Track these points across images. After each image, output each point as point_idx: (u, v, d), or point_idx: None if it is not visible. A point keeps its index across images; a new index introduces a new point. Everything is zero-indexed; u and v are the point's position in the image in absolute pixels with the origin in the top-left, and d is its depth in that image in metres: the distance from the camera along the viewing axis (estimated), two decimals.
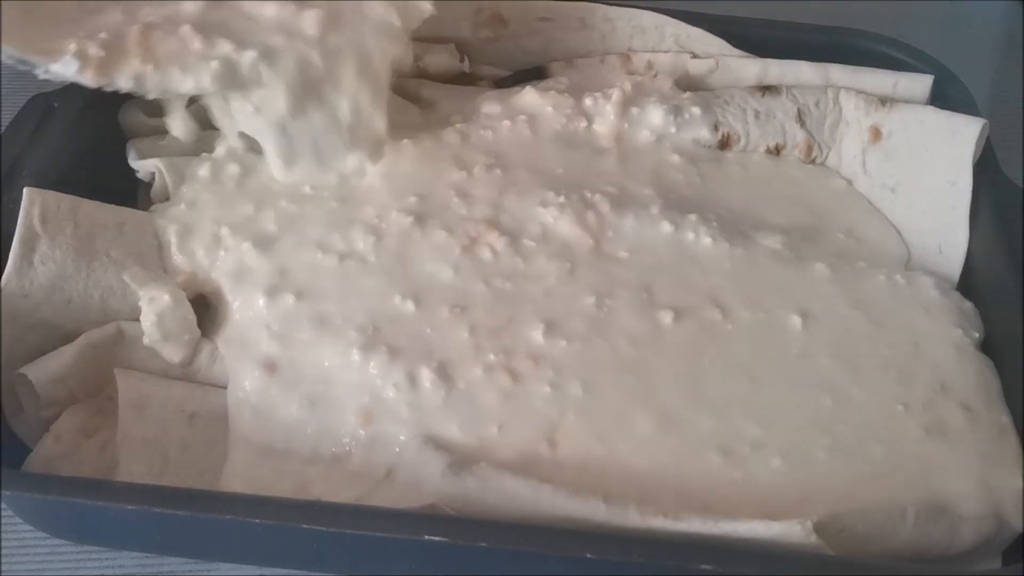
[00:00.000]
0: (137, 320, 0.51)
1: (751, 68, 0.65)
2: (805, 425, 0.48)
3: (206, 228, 0.54)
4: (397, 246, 0.54)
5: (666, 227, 0.56)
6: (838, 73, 0.64)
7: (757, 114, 0.63)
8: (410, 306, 0.51)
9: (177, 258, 0.53)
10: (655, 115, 0.61)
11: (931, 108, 0.61)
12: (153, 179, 0.57)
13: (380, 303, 0.51)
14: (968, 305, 0.55)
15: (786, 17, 0.68)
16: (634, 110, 0.61)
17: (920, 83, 0.63)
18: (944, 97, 0.63)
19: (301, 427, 0.48)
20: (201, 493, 0.43)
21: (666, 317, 0.52)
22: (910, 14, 0.85)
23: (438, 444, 0.46)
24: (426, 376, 0.48)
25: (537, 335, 0.50)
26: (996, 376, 0.52)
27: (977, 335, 0.54)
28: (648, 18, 0.66)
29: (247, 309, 0.52)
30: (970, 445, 0.48)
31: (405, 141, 0.59)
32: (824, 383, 0.50)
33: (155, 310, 0.50)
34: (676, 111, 0.61)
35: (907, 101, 0.62)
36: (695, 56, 0.66)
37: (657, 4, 0.66)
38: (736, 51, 0.66)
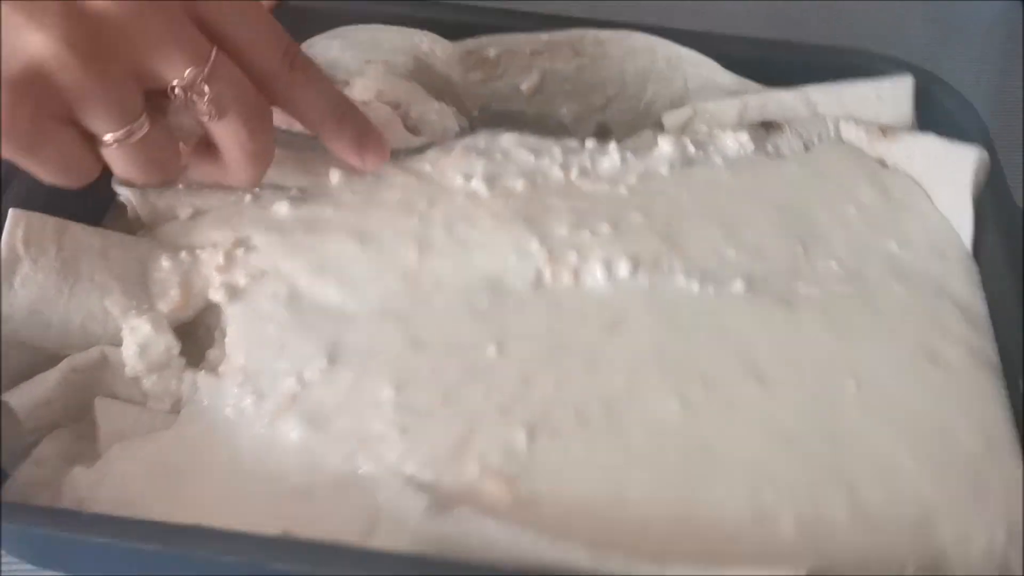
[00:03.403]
0: (120, 346, 0.50)
1: (731, 110, 0.63)
2: (834, 495, 0.46)
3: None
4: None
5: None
6: (818, 94, 0.63)
7: (768, 153, 0.61)
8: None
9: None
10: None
11: (932, 136, 0.59)
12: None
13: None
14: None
15: (777, 34, 0.67)
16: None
17: (901, 86, 0.62)
18: (943, 108, 0.62)
19: (278, 462, 0.47)
20: (170, 527, 0.42)
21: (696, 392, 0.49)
22: (909, 14, 0.84)
23: (419, 485, 0.45)
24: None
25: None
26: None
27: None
28: (639, 39, 0.64)
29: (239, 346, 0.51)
30: (993, 504, 0.46)
31: None
32: (874, 451, 0.47)
33: (136, 340, 0.49)
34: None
35: (894, 108, 0.61)
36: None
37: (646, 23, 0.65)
38: (727, 73, 0.64)
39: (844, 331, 0.52)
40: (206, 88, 0.46)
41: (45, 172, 0.46)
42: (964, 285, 0.55)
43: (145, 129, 0.46)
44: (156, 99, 0.47)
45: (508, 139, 0.60)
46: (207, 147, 0.51)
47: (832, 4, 0.82)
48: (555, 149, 0.59)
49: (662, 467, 0.46)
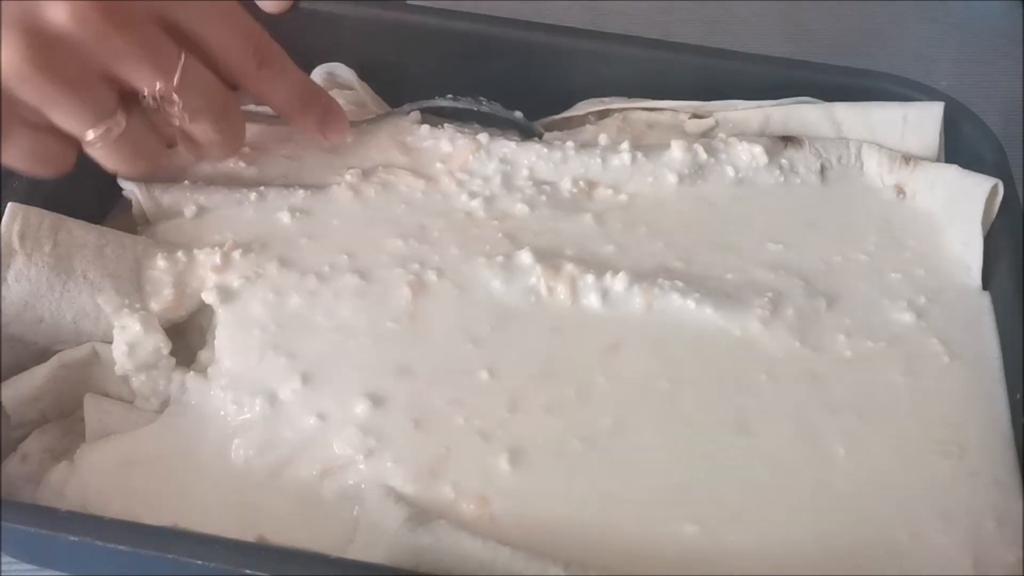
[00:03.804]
0: (111, 343, 0.49)
1: (753, 120, 0.62)
2: (808, 543, 0.44)
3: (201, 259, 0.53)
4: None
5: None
6: (844, 111, 0.62)
7: (781, 167, 0.60)
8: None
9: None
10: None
11: (954, 168, 0.58)
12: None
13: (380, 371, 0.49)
14: None
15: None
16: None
17: (930, 112, 0.60)
18: (965, 137, 0.61)
19: (260, 468, 0.47)
20: (141, 528, 0.41)
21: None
22: (909, 14, 0.83)
23: (398, 496, 0.44)
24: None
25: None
26: None
27: None
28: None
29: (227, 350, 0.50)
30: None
31: None
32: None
33: (125, 339, 0.49)
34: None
35: (920, 133, 0.60)
36: (695, 115, 0.64)
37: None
38: (735, 103, 0.63)
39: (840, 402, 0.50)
40: (175, 97, 0.48)
41: (16, 165, 0.49)
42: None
43: (122, 126, 0.48)
44: (133, 95, 0.48)
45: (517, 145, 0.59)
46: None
47: (833, 4, 0.82)
48: (568, 144, 0.59)
49: (634, 504, 0.45)
